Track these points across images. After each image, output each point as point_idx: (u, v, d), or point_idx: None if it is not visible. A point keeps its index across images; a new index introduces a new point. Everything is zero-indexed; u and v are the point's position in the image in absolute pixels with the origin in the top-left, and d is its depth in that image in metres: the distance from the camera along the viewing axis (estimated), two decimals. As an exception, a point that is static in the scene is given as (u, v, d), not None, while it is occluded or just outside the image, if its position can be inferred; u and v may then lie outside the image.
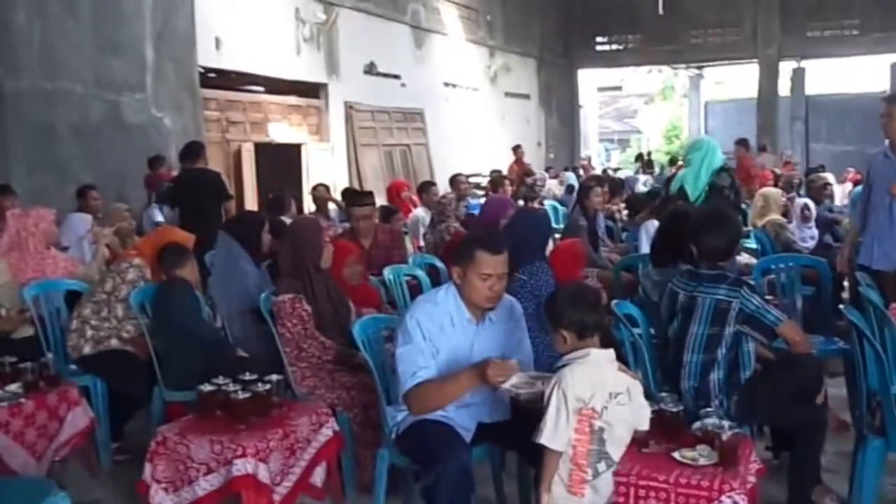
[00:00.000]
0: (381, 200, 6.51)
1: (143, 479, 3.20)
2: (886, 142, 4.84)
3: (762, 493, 2.96)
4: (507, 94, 18.24)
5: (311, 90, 12.39)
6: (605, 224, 6.91)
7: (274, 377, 3.39)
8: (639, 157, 19.49)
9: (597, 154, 25.81)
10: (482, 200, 8.74)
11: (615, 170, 19.97)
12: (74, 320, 4.31)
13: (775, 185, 9.39)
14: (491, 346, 3.07)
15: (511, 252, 3.10)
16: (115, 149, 8.35)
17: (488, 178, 11.99)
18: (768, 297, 4.05)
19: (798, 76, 21.71)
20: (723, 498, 2.56)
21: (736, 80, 26.51)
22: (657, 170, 18.03)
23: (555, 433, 2.52)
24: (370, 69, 13.17)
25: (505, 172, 12.95)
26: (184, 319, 4.08)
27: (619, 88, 32.37)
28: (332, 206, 8.75)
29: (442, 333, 3.03)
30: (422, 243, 7.15)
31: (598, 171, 15.89)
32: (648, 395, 3.06)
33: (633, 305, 3.76)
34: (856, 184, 9.71)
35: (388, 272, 5.03)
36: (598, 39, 21.22)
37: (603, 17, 20.57)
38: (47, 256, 4.75)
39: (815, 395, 3.39)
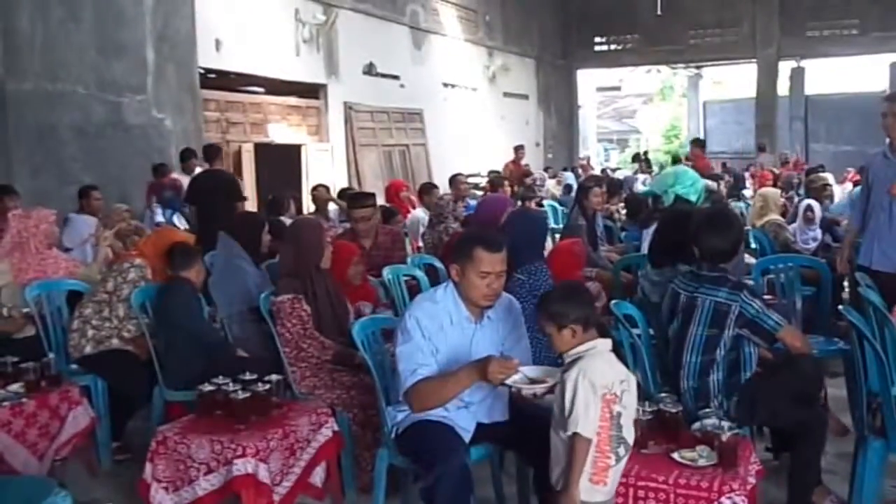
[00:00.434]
0: (380, 200, 6.51)
1: (144, 479, 3.21)
2: (887, 141, 4.84)
3: (762, 495, 2.96)
4: (505, 95, 18.24)
5: (310, 91, 12.41)
6: (603, 224, 6.91)
7: (274, 377, 3.40)
8: (636, 158, 19.46)
9: (595, 154, 25.80)
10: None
11: (614, 170, 19.97)
12: (76, 320, 4.32)
13: (774, 185, 9.40)
14: (490, 345, 3.07)
15: (509, 252, 3.09)
16: (116, 150, 8.39)
17: (487, 179, 11.99)
18: (768, 297, 4.06)
19: (797, 76, 21.71)
20: (722, 499, 2.56)
21: (735, 80, 26.48)
22: (656, 169, 18.00)
23: (587, 422, 2.51)
24: (369, 70, 13.18)
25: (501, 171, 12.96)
26: (184, 320, 4.09)
27: (617, 88, 32.38)
28: (332, 206, 8.75)
29: (441, 332, 3.03)
30: (420, 244, 7.15)
31: (596, 171, 15.87)
32: (648, 396, 3.07)
33: (632, 306, 3.76)
34: (856, 184, 9.72)
35: (387, 272, 5.03)
36: (597, 39, 21.24)
37: (602, 17, 20.59)
38: (48, 257, 4.75)
39: (816, 395, 3.39)
